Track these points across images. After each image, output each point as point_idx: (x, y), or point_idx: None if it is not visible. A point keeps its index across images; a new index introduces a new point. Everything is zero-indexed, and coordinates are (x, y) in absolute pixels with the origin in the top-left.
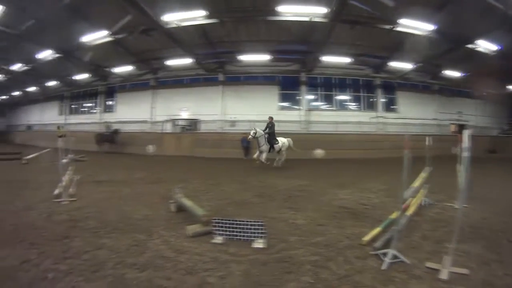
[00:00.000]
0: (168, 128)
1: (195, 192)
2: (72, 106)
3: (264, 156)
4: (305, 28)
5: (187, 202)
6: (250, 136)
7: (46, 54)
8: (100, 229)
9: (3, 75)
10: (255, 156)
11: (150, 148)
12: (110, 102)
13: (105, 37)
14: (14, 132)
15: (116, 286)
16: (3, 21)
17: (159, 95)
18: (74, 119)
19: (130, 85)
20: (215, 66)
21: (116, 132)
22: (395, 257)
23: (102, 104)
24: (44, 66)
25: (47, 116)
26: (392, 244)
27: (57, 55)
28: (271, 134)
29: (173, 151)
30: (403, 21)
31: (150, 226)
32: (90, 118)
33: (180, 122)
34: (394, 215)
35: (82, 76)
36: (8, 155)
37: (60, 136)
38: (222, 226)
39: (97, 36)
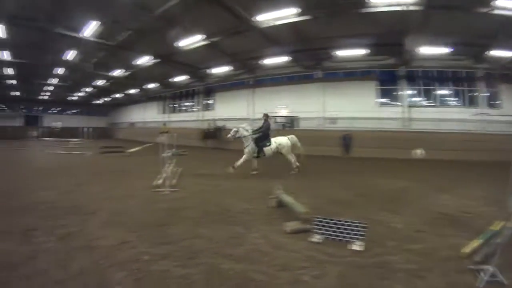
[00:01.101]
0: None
1: (293, 189)
2: (173, 105)
3: (241, 160)
4: (400, 18)
5: (288, 199)
6: (229, 136)
7: (144, 60)
8: (199, 219)
9: (105, 81)
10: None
11: None
12: (209, 101)
13: (200, 40)
14: (118, 128)
15: (210, 274)
16: (101, 34)
17: (257, 93)
18: (175, 117)
19: (229, 85)
20: (312, 63)
21: (219, 129)
22: (493, 275)
23: (201, 103)
24: (144, 70)
25: (149, 114)
26: (492, 260)
27: (155, 60)
28: (262, 135)
29: None
30: (500, 2)
31: (249, 219)
32: (190, 116)
33: (279, 119)
34: (496, 227)
35: (181, 78)
36: (113, 149)
37: (164, 132)
38: (321, 225)
39: (193, 40)
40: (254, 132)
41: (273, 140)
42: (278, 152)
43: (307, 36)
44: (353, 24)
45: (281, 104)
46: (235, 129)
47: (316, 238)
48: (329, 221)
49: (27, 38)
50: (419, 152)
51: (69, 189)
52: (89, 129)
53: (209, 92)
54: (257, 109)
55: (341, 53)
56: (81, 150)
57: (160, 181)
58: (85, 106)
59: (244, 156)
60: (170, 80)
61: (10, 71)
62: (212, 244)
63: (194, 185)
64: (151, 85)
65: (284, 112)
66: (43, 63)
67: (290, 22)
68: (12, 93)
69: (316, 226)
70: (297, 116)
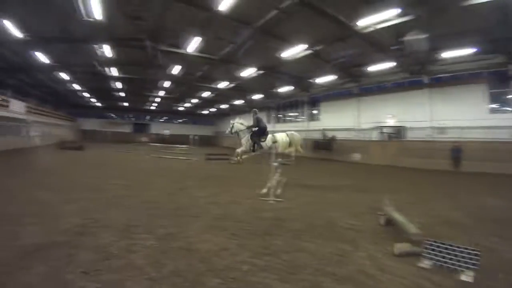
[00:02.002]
0: (374, 135)
1: (402, 205)
2: (279, 115)
3: (238, 150)
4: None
5: (398, 217)
6: (227, 131)
7: (249, 72)
8: (304, 233)
9: (210, 92)
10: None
11: (356, 156)
12: (315, 111)
13: (303, 51)
14: (223, 137)
15: None
16: (204, 49)
17: (363, 102)
18: (281, 127)
19: (334, 94)
20: (417, 68)
21: (332, 139)
22: None
23: (306, 113)
24: (248, 82)
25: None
26: None
27: (259, 72)
28: (258, 131)
29: (378, 159)
30: None
31: (356, 237)
32: (296, 126)
33: (385, 130)
34: None
35: (285, 89)
36: (218, 156)
37: (274, 142)
38: (431, 249)
39: (295, 51)
40: (249, 127)
41: (269, 136)
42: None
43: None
44: (457, 20)
45: (388, 113)
46: (231, 124)
47: (425, 263)
48: (440, 245)
49: (132, 56)
50: None
51: (174, 192)
52: (195, 136)
53: (314, 102)
54: (363, 119)
55: (447, 54)
56: (187, 156)
57: (265, 190)
58: (192, 116)
59: (240, 149)
60: (275, 90)
61: (118, 85)
62: (315, 260)
63: (300, 196)
64: (255, 96)
65: (391, 121)
66: (149, 78)
67: (392, 25)
68: (122, 104)
69: (426, 250)
70: (404, 126)
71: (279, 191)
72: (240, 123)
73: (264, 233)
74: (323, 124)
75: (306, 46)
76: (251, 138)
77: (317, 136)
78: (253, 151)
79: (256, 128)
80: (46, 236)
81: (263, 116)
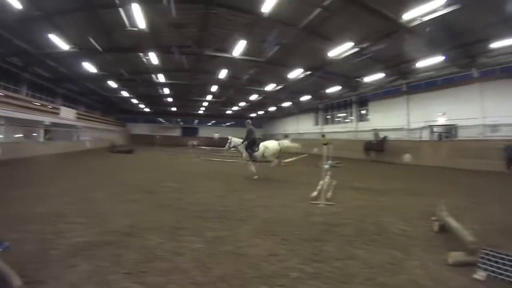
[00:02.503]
0: (425, 135)
1: (455, 210)
2: (327, 116)
3: (250, 166)
4: None
5: (453, 223)
6: (225, 147)
7: (296, 73)
8: (355, 238)
9: (258, 95)
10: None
11: (407, 157)
12: (363, 111)
13: (350, 49)
14: (272, 139)
15: None
16: (250, 52)
17: (412, 100)
18: (329, 128)
19: (382, 93)
20: (466, 61)
21: (384, 140)
22: None
23: (355, 113)
24: (296, 83)
25: (302, 126)
26: None
27: (307, 72)
28: (251, 142)
29: (430, 160)
30: None
31: (408, 244)
32: (345, 127)
33: (436, 129)
34: None
35: (333, 89)
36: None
37: (325, 144)
38: (488, 260)
39: (342, 50)
40: (244, 141)
41: (261, 144)
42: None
43: (458, 29)
44: (508, 5)
45: (438, 111)
46: (229, 140)
47: (480, 274)
48: (496, 254)
49: (178, 62)
50: None
51: (223, 194)
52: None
53: (363, 102)
54: (414, 118)
55: (497, 44)
56: (235, 159)
57: (315, 193)
58: (240, 119)
59: (249, 163)
60: (322, 91)
61: (166, 90)
62: (366, 268)
63: (350, 199)
64: (303, 98)
65: (442, 120)
66: (196, 83)
67: (438, 16)
68: (170, 109)
69: (481, 260)
70: (455, 125)
71: (329, 194)
72: (237, 139)
73: (314, 239)
74: (372, 125)
75: (352, 44)
76: (246, 150)
77: (366, 137)
78: (253, 160)
79: (247, 142)
80: (94, 235)
81: (309, 117)
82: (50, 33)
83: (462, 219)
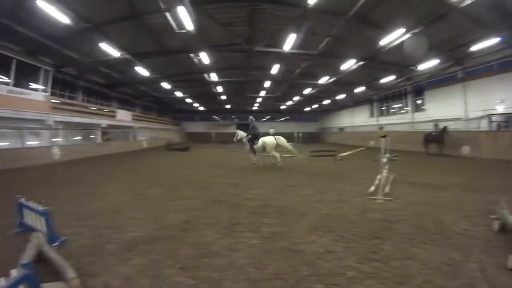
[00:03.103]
0: (483, 125)
1: None
2: (382, 108)
3: (252, 157)
4: None
5: None
6: (234, 139)
7: (348, 65)
8: (414, 237)
9: (312, 89)
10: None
11: (466, 149)
12: (419, 101)
13: (402, 35)
14: (327, 133)
15: None
16: (301, 45)
17: (469, 87)
18: (385, 120)
19: (437, 81)
20: None
21: (444, 130)
22: None
23: (411, 104)
24: (349, 75)
25: (357, 118)
26: None
27: (360, 63)
28: (253, 136)
29: (489, 153)
30: None
31: (467, 244)
32: (401, 118)
33: (494, 118)
34: None
35: (387, 79)
36: (325, 153)
37: (383, 136)
38: None
39: (394, 37)
40: (247, 135)
41: (260, 139)
42: (264, 148)
43: None
44: None
45: (497, 98)
46: (236, 133)
47: None
48: None
49: (230, 60)
50: None
51: (279, 189)
52: (299, 134)
53: (418, 91)
54: (471, 107)
55: None
56: (292, 154)
57: (373, 188)
58: (295, 113)
59: (250, 154)
60: (376, 82)
61: (219, 89)
62: (424, 269)
63: (408, 195)
64: (358, 89)
65: (500, 108)
66: (249, 79)
67: None
68: (224, 106)
69: None
70: None
71: (387, 189)
72: (242, 133)
73: (372, 236)
74: (428, 115)
75: (403, 30)
76: (248, 142)
77: (423, 128)
78: (254, 152)
79: (250, 136)
80: (150, 230)
81: (365, 109)
82: (100, 42)
83: None
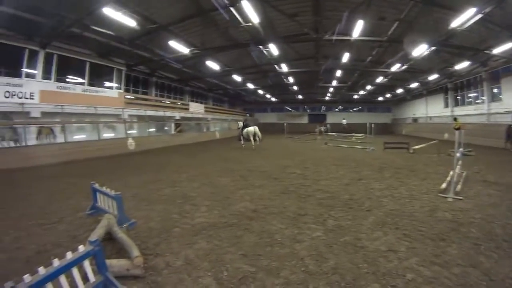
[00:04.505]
0: None
1: None
2: (457, 97)
3: (241, 140)
4: None
5: None
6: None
7: (420, 51)
8: (482, 243)
9: (384, 77)
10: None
11: None
12: (495, 90)
13: (473, 16)
14: (401, 124)
15: None
16: (370, 32)
17: None
18: (459, 110)
19: None
20: None
21: None
22: None
23: (486, 93)
24: (421, 62)
25: (431, 109)
26: None
27: (431, 48)
28: (244, 126)
29: None
30: None
31: None
32: (477, 109)
33: None
34: None
35: (462, 65)
36: (398, 145)
37: (457, 129)
38: None
39: (465, 18)
40: (243, 126)
41: (246, 129)
42: (248, 134)
43: None
44: None
45: None
46: (238, 124)
47: None
48: None
49: (299, 50)
50: None
51: (349, 182)
52: (371, 124)
53: (494, 78)
54: None
55: None
56: (363, 145)
57: (444, 185)
58: (367, 103)
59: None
60: (450, 68)
61: (290, 79)
62: (486, 280)
63: (481, 195)
64: (431, 77)
65: None
66: (320, 69)
67: None
68: (296, 97)
69: None
70: None
71: (459, 187)
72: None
73: (438, 238)
74: (506, 105)
75: (474, 9)
76: (241, 130)
77: (500, 120)
78: (239, 139)
79: (242, 126)
80: (218, 217)
81: (439, 99)
82: (169, 40)
83: None
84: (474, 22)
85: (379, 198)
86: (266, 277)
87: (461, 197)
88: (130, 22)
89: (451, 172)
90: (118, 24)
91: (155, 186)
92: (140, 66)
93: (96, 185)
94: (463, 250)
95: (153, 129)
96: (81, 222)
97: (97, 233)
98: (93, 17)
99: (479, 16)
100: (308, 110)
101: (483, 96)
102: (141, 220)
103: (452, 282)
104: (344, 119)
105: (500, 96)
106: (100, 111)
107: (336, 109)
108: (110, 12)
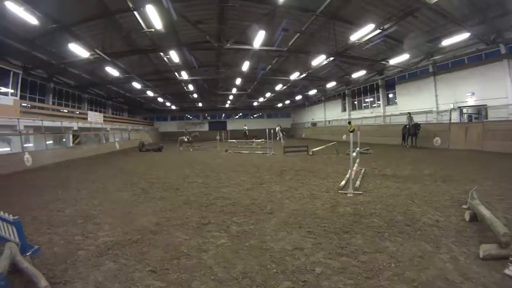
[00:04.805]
0: (454, 117)
1: (488, 197)
2: (354, 102)
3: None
4: None
5: (485, 212)
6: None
7: (319, 60)
8: (385, 230)
9: (283, 85)
10: None
11: (437, 141)
12: (391, 95)
13: (372, 31)
14: (300, 128)
15: None
16: (270, 42)
17: (440, 81)
18: (356, 114)
19: (409, 75)
20: (493, 36)
21: (417, 125)
22: None
23: (382, 98)
24: (320, 70)
25: (330, 113)
26: None
27: (330, 58)
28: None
29: (460, 144)
30: None
31: (439, 235)
32: (373, 112)
33: (465, 110)
34: None
35: (359, 74)
36: (297, 148)
37: (352, 131)
38: None
39: (364, 33)
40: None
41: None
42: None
43: (482, 3)
44: None
45: (467, 91)
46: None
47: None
48: None
49: (200, 58)
50: None
51: (250, 187)
52: (270, 130)
53: (389, 85)
54: (442, 100)
55: None
56: (263, 150)
57: (343, 182)
58: (267, 109)
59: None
60: (348, 77)
61: (191, 87)
62: (394, 262)
63: (379, 187)
64: (329, 84)
65: (471, 101)
66: (220, 77)
67: None
68: (197, 104)
69: None
70: (485, 105)
71: (358, 182)
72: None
73: (342, 231)
74: (400, 108)
75: (373, 26)
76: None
77: (396, 121)
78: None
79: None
80: (121, 234)
81: (337, 104)
82: (70, 42)
83: (495, 208)
84: (373, 36)
85: (281, 200)
86: None
87: (360, 192)
88: (31, 19)
89: (350, 170)
90: (18, 20)
91: (55, 206)
92: (38, 69)
93: None
94: (367, 239)
95: (50, 142)
96: None
97: (1, 266)
98: None
99: (378, 31)
100: (208, 118)
101: (379, 101)
102: (45, 245)
103: (361, 269)
104: (245, 125)
105: (396, 100)
106: None
107: (236, 116)
108: (11, 6)
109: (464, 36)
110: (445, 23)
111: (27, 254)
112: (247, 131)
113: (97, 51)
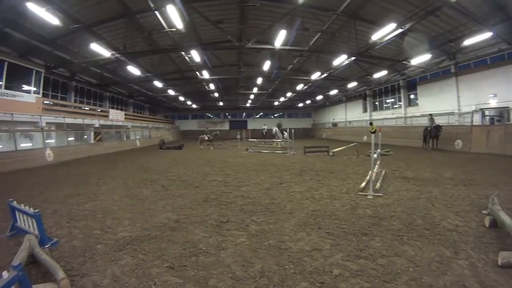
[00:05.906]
0: (476, 119)
1: (509, 203)
2: (375, 103)
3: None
4: None
5: (505, 218)
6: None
7: (340, 60)
8: (404, 233)
9: (304, 85)
10: None
11: (459, 144)
12: (412, 96)
13: (393, 30)
14: (321, 129)
15: None
16: (292, 41)
17: (462, 82)
18: (378, 115)
19: (430, 75)
20: None
21: (439, 127)
22: None
23: (404, 99)
24: (341, 70)
25: (351, 113)
26: None
27: (351, 58)
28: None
29: (482, 147)
30: None
31: (458, 240)
32: (394, 113)
33: (487, 112)
34: None
35: (380, 74)
36: (318, 148)
37: (373, 132)
38: None
39: (385, 32)
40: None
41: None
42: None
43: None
44: None
45: (490, 93)
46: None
47: None
48: None
49: (222, 58)
50: None
51: (270, 186)
52: (292, 130)
53: (411, 86)
54: (464, 101)
55: None
56: (284, 150)
57: (363, 184)
58: (288, 109)
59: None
60: (369, 77)
61: (212, 86)
62: (412, 266)
63: (399, 190)
64: (350, 85)
65: (493, 102)
66: (241, 76)
67: None
68: (217, 103)
69: None
70: (507, 107)
71: (378, 184)
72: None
73: (361, 233)
74: (421, 109)
75: (394, 25)
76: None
77: (417, 123)
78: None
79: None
80: (140, 230)
81: (358, 104)
82: (91, 42)
83: None
84: (395, 36)
85: (300, 200)
86: (194, 287)
87: (380, 194)
88: (53, 20)
89: (370, 171)
90: (40, 21)
91: (75, 201)
92: (60, 68)
93: (14, 203)
94: (386, 242)
95: (72, 138)
96: (1, 246)
97: (20, 257)
98: (15, 11)
99: (399, 30)
100: (229, 117)
101: (400, 102)
102: (64, 238)
103: (379, 272)
104: (264, 125)
105: (417, 101)
106: (16, 118)
107: (257, 116)
108: (33, 7)
109: (486, 35)
110: (466, 22)
111: (46, 246)
112: (266, 131)
113: (118, 51)
